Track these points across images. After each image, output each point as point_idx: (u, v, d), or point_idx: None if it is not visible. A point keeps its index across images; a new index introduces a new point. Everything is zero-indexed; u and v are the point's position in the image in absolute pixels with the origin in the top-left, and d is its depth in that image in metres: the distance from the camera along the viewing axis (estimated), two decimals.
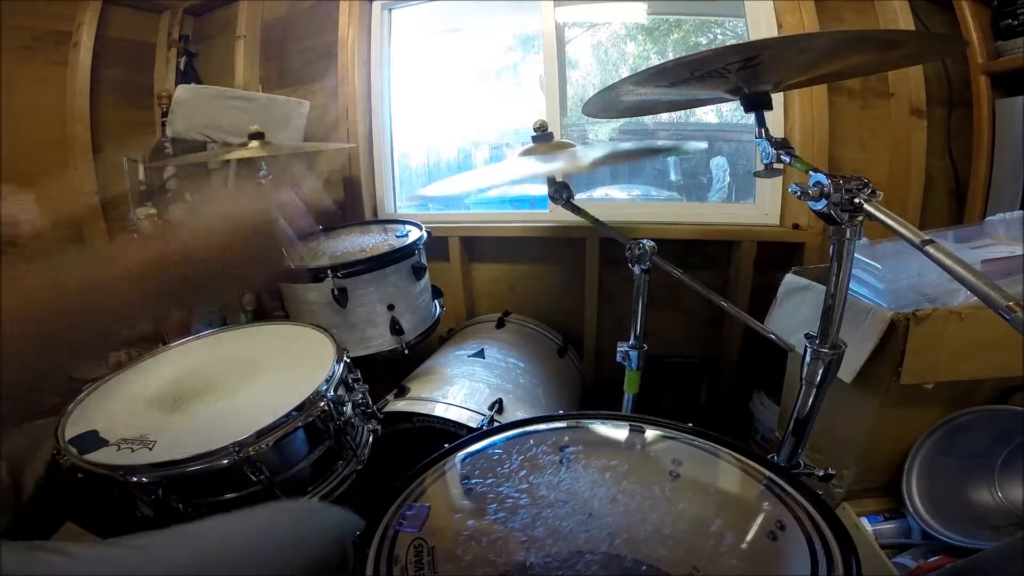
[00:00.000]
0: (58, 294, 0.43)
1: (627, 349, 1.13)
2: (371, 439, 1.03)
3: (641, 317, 1.10)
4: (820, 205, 0.66)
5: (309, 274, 1.28)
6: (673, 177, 2.13)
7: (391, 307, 1.31)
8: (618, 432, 0.82)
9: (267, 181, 0.63)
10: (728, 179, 2.02)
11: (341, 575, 0.63)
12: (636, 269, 1.07)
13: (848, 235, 0.68)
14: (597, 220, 1.21)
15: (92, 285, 0.44)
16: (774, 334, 1.10)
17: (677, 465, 0.72)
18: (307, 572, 0.61)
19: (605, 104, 0.95)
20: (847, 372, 1.01)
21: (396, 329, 1.31)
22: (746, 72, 0.72)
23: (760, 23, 1.56)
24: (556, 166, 0.99)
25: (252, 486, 0.81)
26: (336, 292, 1.24)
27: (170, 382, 0.98)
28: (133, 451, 0.78)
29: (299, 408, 0.86)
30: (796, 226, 1.56)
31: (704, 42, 1.90)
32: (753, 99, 0.81)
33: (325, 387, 0.91)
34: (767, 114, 0.81)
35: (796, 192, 0.68)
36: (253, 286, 0.55)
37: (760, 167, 0.80)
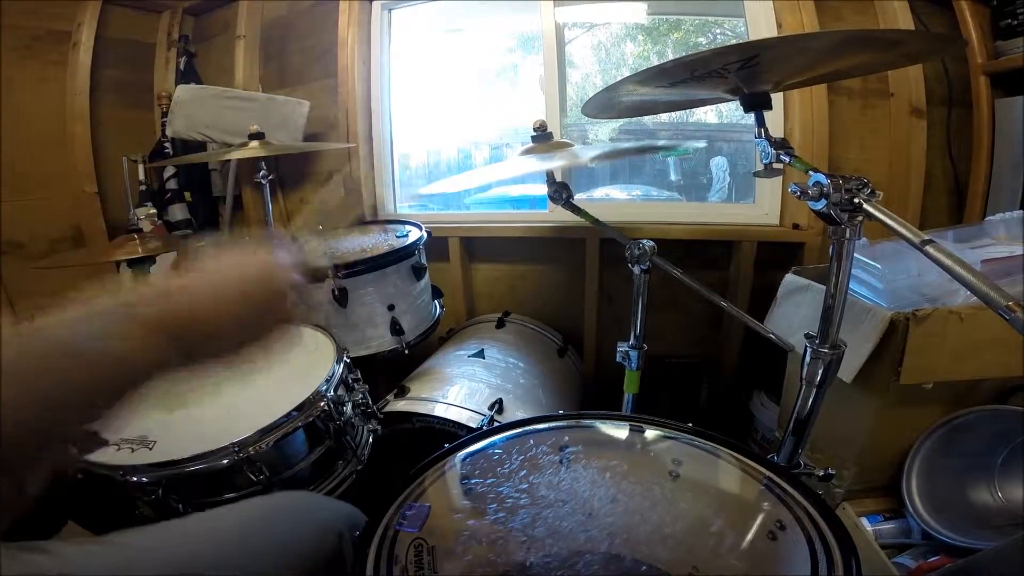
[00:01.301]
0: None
1: (627, 349, 1.13)
2: (371, 439, 1.03)
3: (641, 317, 1.10)
4: (820, 205, 0.66)
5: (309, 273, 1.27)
6: (673, 177, 2.13)
7: (391, 307, 1.31)
8: (618, 432, 0.82)
9: (268, 235, 0.52)
10: (728, 179, 2.02)
11: (338, 566, 0.62)
12: (636, 269, 1.07)
13: (848, 235, 0.68)
14: (597, 220, 1.21)
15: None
16: (774, 334, 1.10)
17: (677, 465, 0.72)
18: (301, 562, 0.61)
19: (605, 104, 0.95)
20: (847, 372, 1.01)
21: (396, 329, 1.31)
22: (746, 72, 0.72)
23: (760, 23, 1.56)
24: (556, 161, 0.99)
25: (252, 486, 0.81)
26: (336, 292, 1.24)
27: (170, 382, 0.97)
28: (133, 451, 0.78)
29: (299, 408, 0.86)
30: (796, 226, 1.56)
31: (704, 42, 1.90)
32: (753, 99, 0.81)
33: (325, 387, 0.91)
34: (767, 114, 0.81)
35: (796, 192, 0.68)
36: (257, 338, 0.49)
37: (760, 167, 0.80)
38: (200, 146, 1.85)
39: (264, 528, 0.63)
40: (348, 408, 0.97)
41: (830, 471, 0.84)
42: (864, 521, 1.08)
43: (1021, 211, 1.19)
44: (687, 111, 1.98)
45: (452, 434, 1.10)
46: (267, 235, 0.53)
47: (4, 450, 0.33)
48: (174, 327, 0.41)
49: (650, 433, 0.80)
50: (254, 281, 0.46)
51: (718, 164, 2.05)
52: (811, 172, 0.67)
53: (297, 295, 0.49)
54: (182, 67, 2.06)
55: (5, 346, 0.34)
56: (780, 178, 1.54)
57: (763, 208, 1.66)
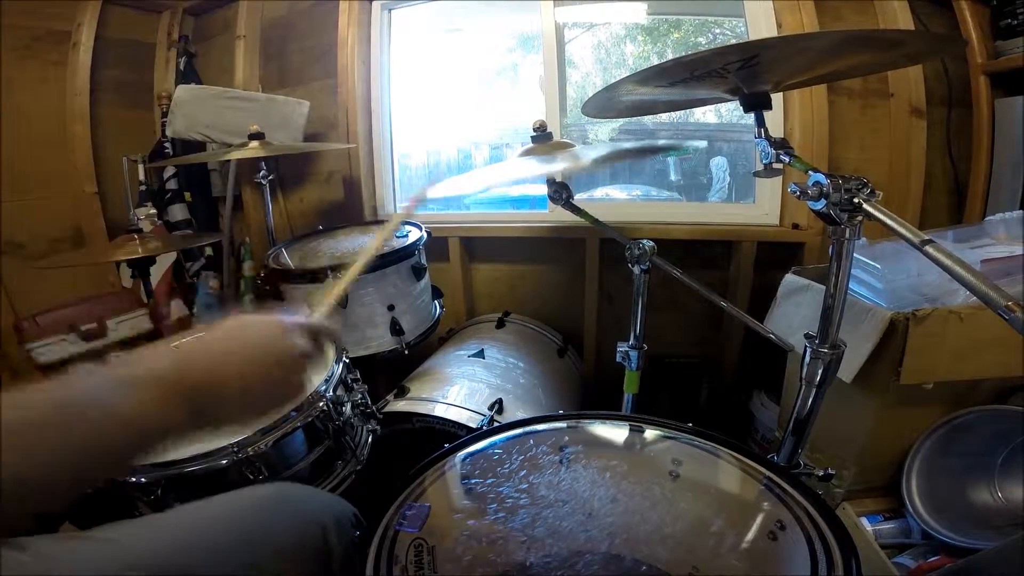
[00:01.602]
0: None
1: (627, 349, 1.13)
2: (370, 439, 1.03)
3: (641, 317, 1.10)
4: (819, 205, 0.66)
5: (309, 274, 1.28)
6: (673, 177, 2.13)
7: (391, 307, 1.31)
8: (618, 432, 0.82)
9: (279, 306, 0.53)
10: (728, 179, 2.02)
11: (323, 557, 0.62)
12: (636, 269, 1.07)
13: (847, 235, 0.68)
14: (597, 220, 1.21)
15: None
16: (774, 334, 1.10)
17: (677, 465, 0.72)
18: (284, 553, 0.60)
19: (605, 104, 0.95)
20: (847, 372, 1.01)
21: (396, 329, 1.31)
22: (745, 72, 0.72)
23: (760, 23, 1.56)
24: (556, 164, 0.99)
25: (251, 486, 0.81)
26: None
27: None
28: None
29: (298, 408, 0.86)
30: (796, 226, 1.56)
31: (704, 42, 1.90)
32: (752, 99, 0.81)
33: (324, 387, 0.91)
34: (767, 114, 0.81)
35: (795, 192, 0.68)
36: (267, 403, 0.49)
37: (760, 167, 0.80)
38: (200, 146, 1.85)
39: (245, 518, 0.63)
40: (347, 408, 0.97)
41: (830, 471, 0.84)
42: (864, 521, 1.08)
43: (1021, 211, 1.19)
44: (687, 111, 1.98)
45: (452, 434, 1.09)
46: (279, 306, 0.53)
47: (4, 506, 0.33)
48: (188, 390, 0.42)
49: (650, 433, 0.80)
50: (264, 346, 0.47)
51: (718, 164, 2.04)
52: (811, 172, 0.67)
53: (306, 363, 0.49)
54: (182, 67, 2.06)
55: (5, 409, 0.34)
56: (780, 178, 1.53)
57: (763, 208, 1.66)
